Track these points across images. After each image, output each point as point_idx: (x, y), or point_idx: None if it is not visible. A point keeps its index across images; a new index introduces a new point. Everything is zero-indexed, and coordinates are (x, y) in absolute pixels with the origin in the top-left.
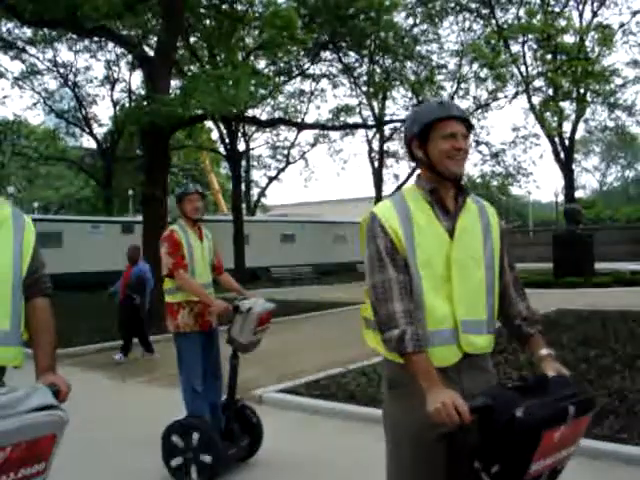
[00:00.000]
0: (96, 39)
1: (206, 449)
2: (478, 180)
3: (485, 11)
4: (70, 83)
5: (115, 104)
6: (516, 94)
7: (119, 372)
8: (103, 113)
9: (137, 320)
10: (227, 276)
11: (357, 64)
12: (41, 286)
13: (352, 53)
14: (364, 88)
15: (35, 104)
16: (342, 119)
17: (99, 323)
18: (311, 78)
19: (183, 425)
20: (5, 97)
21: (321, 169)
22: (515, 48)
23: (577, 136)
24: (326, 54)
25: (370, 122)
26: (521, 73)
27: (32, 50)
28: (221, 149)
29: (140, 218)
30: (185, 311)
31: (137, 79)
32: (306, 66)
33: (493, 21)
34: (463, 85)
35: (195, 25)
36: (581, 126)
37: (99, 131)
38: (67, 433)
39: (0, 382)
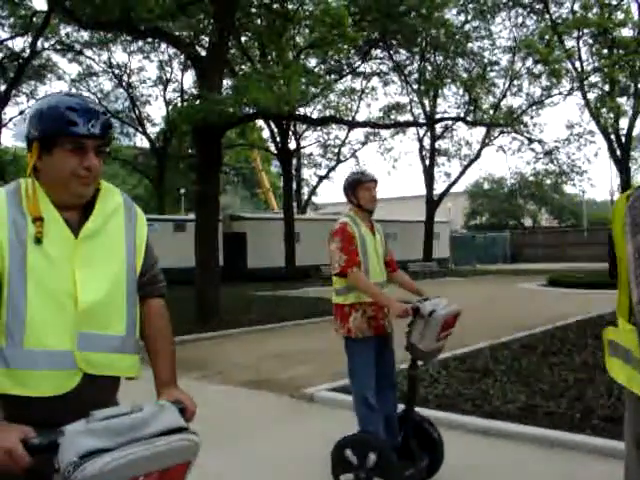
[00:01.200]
0: (149, 40)
1: (381, 473)
2: (531, 178)
3: (539, 6)
4: (124, 84)
5: (168, 104)
6: (571, 90)
7: None
8: (156, 113)
9: None
10: (402, 274)
11: (408, 62)
12: (156, 285)
13: (403, 51)
14: (415, 86)
15: None
16: (393, 117)
17: None
18: (362, 76)
19: (359, 441)
20: None
21: (372, 167)
22: (569, 43)
23: (634, 133)
24: (377, 52)
25: (421, 120)
26: (576, 69)
27: (88, 52)
28: (272, 147)
29: (192, 216)
30: (358, 314)
31: (189, 79)
32: (357, 64)
33: (547, 16)
34: (516, 82)
35: (246, 24)
36: (639, 122)
37: (152, 130)
38: None
39: (114, 396)
